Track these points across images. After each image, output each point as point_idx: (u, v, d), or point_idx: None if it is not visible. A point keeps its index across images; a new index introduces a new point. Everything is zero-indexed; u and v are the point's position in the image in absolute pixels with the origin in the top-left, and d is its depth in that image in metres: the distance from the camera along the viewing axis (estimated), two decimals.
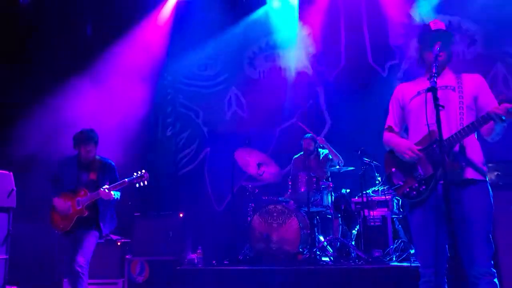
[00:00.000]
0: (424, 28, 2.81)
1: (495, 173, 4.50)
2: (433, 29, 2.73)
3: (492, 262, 2.50)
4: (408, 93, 2.85)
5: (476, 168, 2.58)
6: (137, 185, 4.16)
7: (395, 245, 5.18)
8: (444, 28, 2.74)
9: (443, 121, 2.38)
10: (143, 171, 4.18)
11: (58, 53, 6.81)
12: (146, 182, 4.17)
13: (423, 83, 2.75)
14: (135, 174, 4.18)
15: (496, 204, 4.10)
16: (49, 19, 6.71)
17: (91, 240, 4.08)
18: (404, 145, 2.68)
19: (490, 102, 2.65)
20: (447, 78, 2.75)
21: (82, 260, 3.97)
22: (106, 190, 4.01)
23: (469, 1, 6.68)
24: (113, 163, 4.32)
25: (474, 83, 2.71)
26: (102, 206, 4.14)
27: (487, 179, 2.63)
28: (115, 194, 4.15)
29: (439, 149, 2.32)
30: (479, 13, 6.64)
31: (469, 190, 2.55)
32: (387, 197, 5.52)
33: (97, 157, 4.26)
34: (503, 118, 2.39)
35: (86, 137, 4.14)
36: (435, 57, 2.59)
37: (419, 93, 2.76)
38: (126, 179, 4.13)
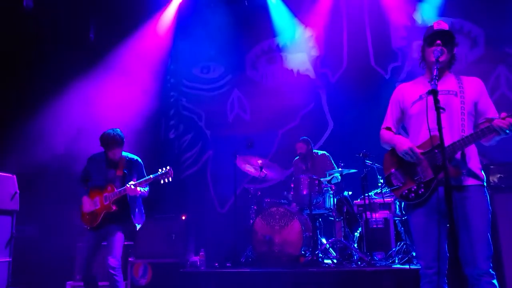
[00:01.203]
0: (428, 28, 2.81)
1: (498, 175, 4.49)
2: (435, 29, 2.73)
3: (491, 264, 2.50)
4: (409, 96, 2.83)
5: (475, 174, 2.60)
6: (162, 181, 4.23)
7: (397, 248, 5.17)
8: (446, 28, 2.72)
9: (445, 126, 2.39)
10: (168, 167, 4.24)
11: (60, 58, 6.84)
12: (170, 179, 4.23)
13: (425, 86, 2.75)
14: (160, 170, 4.23)
15: (499, 206, 4.13)
16: (51, 23, 6.73)
17: (119, 239, 4.16)
18: (406, 145, 2.67)
19: (489, 108, 2.69)
20: (448, 83, 2.74)
21: (114, 261, 4.04)
22: (132, 186, 4.11)
23: (471, 3, 6.69)
24: (139, 160, 4.43)
25: (474, 88, 2.71)
26: (132, 201, 4.26)
27: (485, 184, 2.63)
28: (143, 190, 4.30)
29: (441, 154, 2.31)
30: (481, 15, 6.64)
31: (467, 194, 2.56)
32: (389, 199, 5.51)
33: (124, 154, 4.37)
34: (507, 131, 2.46)
35: (111, 141, 4.23)
36: (436, 59, 2.59)
37: (421, 97, 2.75)
38: (151, 176, 4.21)
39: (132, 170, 4.33)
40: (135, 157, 4.43)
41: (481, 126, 2.64)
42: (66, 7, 6.85)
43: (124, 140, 4.33)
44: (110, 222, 4.20)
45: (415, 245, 2.82)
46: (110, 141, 4.23)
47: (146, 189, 4.36)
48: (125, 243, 5.66)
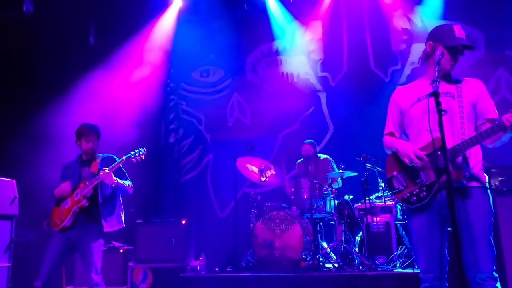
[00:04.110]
0: (447, 29, 2.69)
1: (499, 178, 4.47)
2: (457, 35, 2.62)
3: (495, 267, 2.47)
4: (407, 98, 2.80)
5: (478, 176, 2.57)
6: (134, 159, 3.98)
7: (398, 251, 5.14)
8: (464, 38, 2.64)
9: (446, 128, 2.35)
10: (141, 148, 4.04)
11: (60, 62, 6.85)
12: (143, 157, 4.00)
13: (423, 88, 2.72)
14: (132, 152, 4.01)
15: (500, 209, 4.12)
16: (50, 27, 6.75)
17: (96, 250, 3.80)
18: (409, 149, 2.63)
19: (489, 109, 2.64)
20: (447, 85, 2.70)
21: (97, 277, 3.74)
22: (106, 170, 3.78)
23: (471, 6, 6.69)
24: (115, 156, 4.14)
25: (473, 90, 2.67)
26: (102, 198, 3.89)
27: (487, 186, 2.60)
28: (126, 183, 4.02)
29: (443, 155, 2.29)
30: (480, 18, 6.65)
31: (470, 197, 2.53)
32: (390, 203, 5.49)
33: (100, 154, 4.14)
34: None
35: (88, 129, 4.03)
36: (437, 61, 2.55)
37: (419, 99, 2.71)
38: (123, 157, 3.97)
39: (107, 165, 3.96)
40: (110, 155, 4.16)
41: (481, 127, 2.60)
42: (66, 11, 6.86)
43: (100, 135, 4.09)
44: (82, 223, 3.82)
45: (414, 249, 2.79)
46: (87, 128, 4.02)
47: (128, 182, 4.05)
48: (125, 247, 5.69)
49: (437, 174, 2.54)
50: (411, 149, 2.63)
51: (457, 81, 2.71)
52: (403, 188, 2.69)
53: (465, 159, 2.53)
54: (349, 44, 7.50)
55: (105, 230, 3.86)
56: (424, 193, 2.59)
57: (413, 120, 2.74)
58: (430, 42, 2.72)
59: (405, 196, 2.67)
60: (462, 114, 2.59)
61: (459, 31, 2.65)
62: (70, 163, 4.19)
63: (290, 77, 7.71)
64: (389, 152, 2.86)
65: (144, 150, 4.02)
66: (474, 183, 2.55)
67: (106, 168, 3.83)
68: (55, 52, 6.88)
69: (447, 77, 2.73)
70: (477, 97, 2.65)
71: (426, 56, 2.76)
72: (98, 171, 3.92)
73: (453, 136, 2.56)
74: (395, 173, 2.75)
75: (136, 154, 3.99)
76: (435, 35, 2.72)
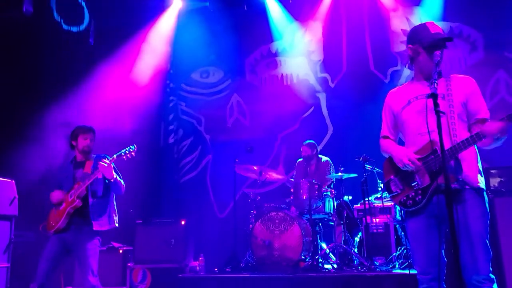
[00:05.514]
0: (421, 28, 2.69)
1: (498, 179, 4.48)
2: (432, 32, 2.64)
3: (491, 268, 2.47)
4: (398, 101, 2.79)
5: (473, 178, 2.54)
6: (125, 157, 3.98)
7: (397, 252, 5.15)
8: (442, 32, 2.66)
9: (435, 130, 2.31)
10: (132, 145, 4.03)
11: (59, 62, 6.84)
12: (133, 154, 4.00)
13: (413, 90, 2.71)
14: (122, 150, 4.01)
15: (499, 210, 4.12)
16: (50, 28, 6.74)
17: (92, 252, 3.81)
18: (402, 153, 2.63)
19: (480, 108, 2.61)
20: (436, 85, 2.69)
21: (94, 279, 3.75)
22: (105, 165, 3.77)
23: (470, 7, 6.71)
24: (108, 156, 4.07)
25: (463, 88, 2.63)
26: (92, 197, 3.90)
27: (484, 187, 2.59)
28: (122, 181, 4.01)
29: (441, 156, 2.28)
30: (480, 20, 6.66)
31: (464, 199, 2.51)
32: (389, 204, 5.49)
33: (93, 155, 4.13)
34: (495, 138, 2.41)
35: (85, 127, 4.10)
36: (436, 63, 2.52)
37: (409, 102, 2.70)
38: (114, 155, 3.96)
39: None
40: (104, 155, 4.09)
41: (473, 127, 2.59)
42: (66, 12, 6.86)
43: (95, 136, 4.15)
44: (76, 225, 3.84)
45: (411, 251, 2.79)
46: (85, 126, 4.10)
47: (122, 182, 4.05)
48: (124, 248, 5.69)
49: (432, 178, 2.54)
50: (404, 153, 2.62)
51: (447, 80, 2.66)
52: (400, 191, 2.70)
53: (457, 162, 2.50)
54: (348, 45, 7.52)
55: (94, 229, 3.84)
56: (420, 197, 2.59)
57: (406, 123, 2.73)
58: (410, 45, 2.73)
59: (402, 200, 2.67)
60: (452, 115, 2.56)
61: (433, 27, 2.66)
62: (64, 166, 4.21)
63: (290, 78, 7.72)
64: (385, 155, 2.87)
65: (134, 147, 4.02)
66: (468, 186, 2.53)
67: (106, 159, 3.82)
68: (54, 53, 6.88)
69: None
70: (467, 95, 2.62)
71: (412, 60, 2.75)
72: (92, 171, 3.91)
73: (444, 138, 2.54)
74: (392, 176, 2.76)
75: (127, 152, 3.99)
76: (413, 37, 2.73)
